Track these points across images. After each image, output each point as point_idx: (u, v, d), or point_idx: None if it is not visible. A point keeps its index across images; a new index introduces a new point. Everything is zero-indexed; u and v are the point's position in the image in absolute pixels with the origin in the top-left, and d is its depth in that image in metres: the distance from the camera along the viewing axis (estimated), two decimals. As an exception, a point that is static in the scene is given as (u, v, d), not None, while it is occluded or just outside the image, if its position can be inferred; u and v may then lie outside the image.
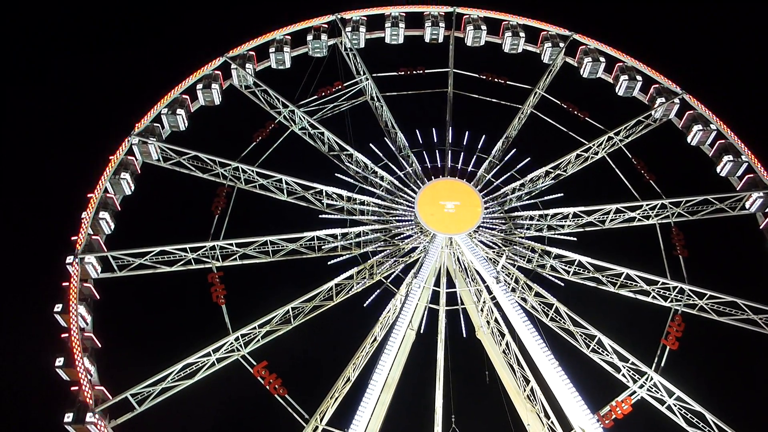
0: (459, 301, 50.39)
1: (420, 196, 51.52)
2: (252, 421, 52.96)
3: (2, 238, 60.01)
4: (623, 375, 47.40)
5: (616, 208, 52.18)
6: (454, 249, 50.81)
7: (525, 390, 45.64)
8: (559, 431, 43.02)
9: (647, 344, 48.62)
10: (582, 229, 52.75)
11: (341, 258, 50.52)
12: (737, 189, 54.14)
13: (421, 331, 49.54)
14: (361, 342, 46.79)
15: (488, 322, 48.39)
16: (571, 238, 52.27)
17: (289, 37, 58.88)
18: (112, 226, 49.79)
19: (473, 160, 54.43)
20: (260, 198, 52.35)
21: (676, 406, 46.45)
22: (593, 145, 55.31)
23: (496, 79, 59.58)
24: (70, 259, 46.59)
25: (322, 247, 50.45)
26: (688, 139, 56.51)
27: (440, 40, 60.82)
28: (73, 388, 43.00)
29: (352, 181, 53.31)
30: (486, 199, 52.46)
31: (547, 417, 43.78)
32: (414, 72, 59.78)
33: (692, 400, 46.16)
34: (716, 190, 53.50)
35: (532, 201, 53.75)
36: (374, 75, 57.55)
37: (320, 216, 51.88)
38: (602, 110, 58.10)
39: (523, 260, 51.41)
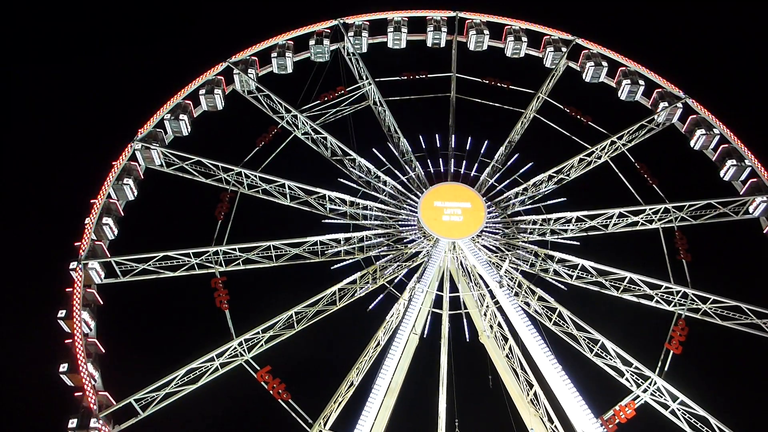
0: (462, 306, 50.23)
1: (423, 201, 51.42)
2: (255, 426, 52.97)
3: (6, 243, 60.14)
4: (627, 379, 47.20)
5: (619, 213, 52.18)
6: (458, 253, 50.82)
7: (528, 394, 45.58)
8: (563, 435, 42.99)
9: (651, 348, 48.48)
10: (585, 234, 52.64)
11: (344, 262, 50.40)
12: (741, 193, 53.89)
13: (425, 336, 49.47)
14: (364, 346, 46.68)
15: (491, 327, 48.38)
16: (574, 243, 52.17)
17: (292, 42, 58.85)
18: (116, 232, 49.79)
19: (476, 164, 54.39)
20: (263, 203, 52.36)
21: (679, 410, 46.26)
22: (596, 149, 55.24)
23: (498, 84, 59.56)
24: (73, 264, 46.56)
25: (326, 252, 50.43)
26: (691, 144, 56.35)
27: (443, 44, 60.66)
28: (77, 394, 42.90)
29: (355, 185, 53.27)
30: (489, 203, 52.44)
31: (551, 421, 43.64)
32: (416, 77, 59.74)
33: (696, 405, 45.92)
34: (719, 195, 53.38)
35: (535, 205, 53.62)
36: (377, 80, 57.52)
37: (323, 221, 51.92)
38: (605, 115, 58.07)
39: (526, 264, 51.29)
